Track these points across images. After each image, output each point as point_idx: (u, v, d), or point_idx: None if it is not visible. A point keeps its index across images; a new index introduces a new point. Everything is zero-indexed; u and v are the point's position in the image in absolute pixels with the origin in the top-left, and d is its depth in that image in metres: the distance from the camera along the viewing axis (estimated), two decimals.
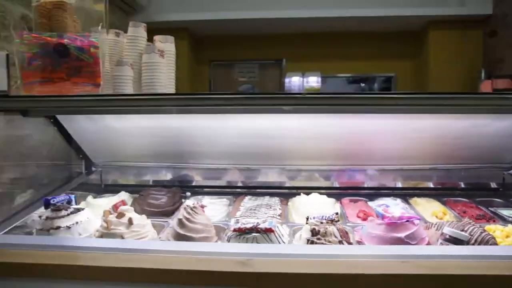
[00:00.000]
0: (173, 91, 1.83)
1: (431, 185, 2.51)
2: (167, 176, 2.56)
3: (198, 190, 2.49)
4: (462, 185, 2.49)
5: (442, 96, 1.67)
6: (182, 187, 2.44)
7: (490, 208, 2.15)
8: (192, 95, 1.61)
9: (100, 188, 2.52)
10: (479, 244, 1.58)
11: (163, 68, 1.73)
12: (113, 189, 2.51)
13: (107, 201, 2.27)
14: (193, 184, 2.55)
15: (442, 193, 2.43)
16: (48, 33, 1.58)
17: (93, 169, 2.54)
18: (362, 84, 8.17)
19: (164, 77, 1.74)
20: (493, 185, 2.47)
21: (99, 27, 1.65)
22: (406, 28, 5.89)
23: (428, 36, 5.68)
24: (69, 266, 1.41)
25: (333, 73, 6.35)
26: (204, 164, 2.48)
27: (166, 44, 1.82)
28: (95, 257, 1.46)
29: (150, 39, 1.94)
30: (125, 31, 1.95)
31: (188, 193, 2.43)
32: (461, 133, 2.16)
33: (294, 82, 5.48)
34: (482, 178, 2.47)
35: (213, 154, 2.40)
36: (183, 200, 2.32)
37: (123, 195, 2.34)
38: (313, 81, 5.46)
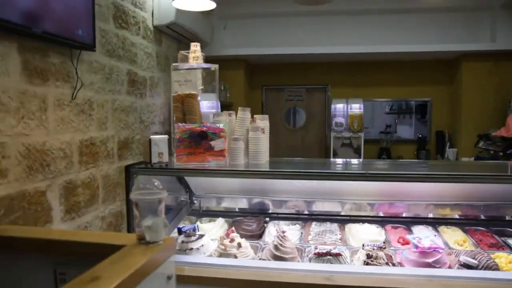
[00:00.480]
0: (268, 154, 2.61)
1: (456, 216, 3.05)
2: (249, 204, 3.33)
3: (274, 216, 3.19)
4: (482, 217, 3.01)
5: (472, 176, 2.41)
6: (261, 214, 3.23)
7: (502, 238, 2.63)
8: (286, 172, 2.43)
9: (199, 213, 3.31)
10: (485, 269, 2.13)
11: (264, 141, 2.51)
12: (207, 213, 3.27)
13: (211, 226, 3.06)
14: (270, 211, 3.28)
15: (464, 222, 2.94)
16: (195, 124, 2.39)
17: (194, 198, 3.37)
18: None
19: (264, 147, 2.53)
20: (508, 217, 2.99)
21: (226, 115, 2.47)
22: (441, 57, 6.43)
23: (461, 66, 6.17)
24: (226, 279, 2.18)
25: (374, 97, 6.95)
26: (279, 197, 3.24)
27: (264, 121, 2.59)
28: (230, 272, 2.25)
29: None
30: None
31: (267, 219, 3.17)
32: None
33: (339, 108, 6.22)
34: (499, 211, 3.00)
35: (287, 190, 3.16)
36: (265, 225, 3.10)
37: (220, 220, 3.12)
38: (356, 107, 6.18)
